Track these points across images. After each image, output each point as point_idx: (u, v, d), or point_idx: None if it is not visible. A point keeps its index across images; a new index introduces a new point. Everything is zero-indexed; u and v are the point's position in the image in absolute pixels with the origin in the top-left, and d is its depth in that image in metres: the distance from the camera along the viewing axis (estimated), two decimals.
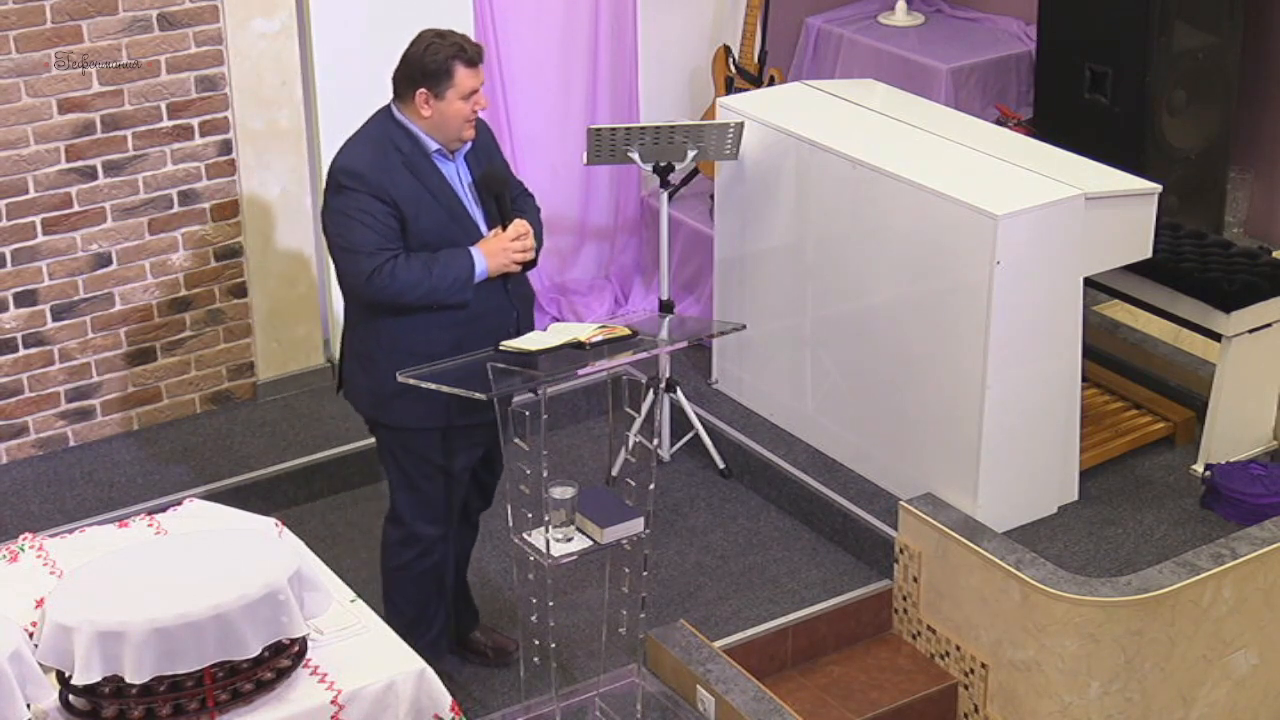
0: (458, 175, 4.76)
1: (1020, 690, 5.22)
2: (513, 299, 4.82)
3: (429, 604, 5.04)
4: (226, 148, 6.11)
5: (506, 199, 4.77)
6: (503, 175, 4.80)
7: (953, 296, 5.41)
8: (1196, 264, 5.88)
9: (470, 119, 4.68)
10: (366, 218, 4.60)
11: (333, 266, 4.86)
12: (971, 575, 5.27)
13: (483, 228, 4.77)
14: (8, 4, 5.60)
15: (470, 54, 4.64)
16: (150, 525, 4.55)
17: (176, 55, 5.92)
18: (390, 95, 4.73)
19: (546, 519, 4.49)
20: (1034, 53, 7.52)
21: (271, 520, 4.57)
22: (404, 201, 4.64)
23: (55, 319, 5.99)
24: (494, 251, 4.71)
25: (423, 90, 4.62)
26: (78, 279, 5.98)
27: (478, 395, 4.39)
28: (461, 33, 4.71)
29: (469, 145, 4.77)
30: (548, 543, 4.48)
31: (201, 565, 3.94)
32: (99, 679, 3.73)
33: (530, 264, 4.82)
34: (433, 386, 4.43)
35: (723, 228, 6.32)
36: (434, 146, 4.69)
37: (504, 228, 4.73)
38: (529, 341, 4.58)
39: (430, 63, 4.61)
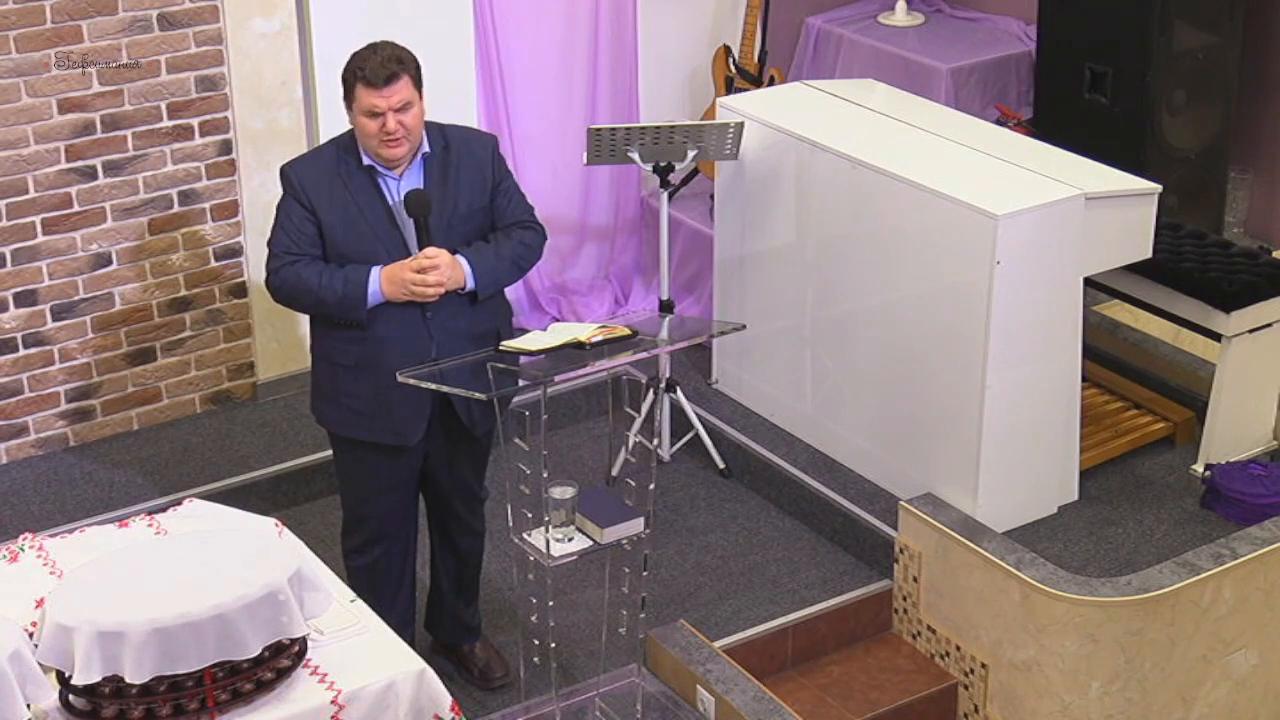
0: (398, 194, 4.66)
1: (1020, 690, 5.22)
2: (431, 329, 4.68)
3: (379, 602, 4.99)
4: (226, 148, 6.11)
5: (425, 225, 4.59)
6: (425, 200, 4.59)
7: (953, 296, 5.41)
8: (1196, 264, 5.88)
9: (376, 137, 4.55)
10: (284, 218, 4.67)
11: None
12: (971, 575, 5.27)
13: (413, 250, 4.64)
14: (8, 4, 5.60)
15: (370, 75, 4.51)
16: (150, 525, 4.55)
17: (176, 55, 5.92)
18: None
19: (546, 519, 4.49)
20: (1034, 53, 7.51)
21: (271, 520, 4.57)
22: (324, 209, 4.63)
23: (55, 319, 5.98)
24: (392, 278, 4.59)
25: (346, 98, 4.62)
26: (78, 279, 5.98)
27: (478, 395, 4.40)
28: (398, 48, 4.59)
29: (418, 164, 4.66)
30: (548, 543, 4.48)
31: (201, 565, 3.94)
32: (99, 679, 3.72)
33: (473, 298, 4.67)
34: (431, 386, 4.44)
35: (723, 228, 6.32)
36: (369, 160, 4.64)
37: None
38: (529, 341, 4.58)
39: (343, 75, 4.61)
